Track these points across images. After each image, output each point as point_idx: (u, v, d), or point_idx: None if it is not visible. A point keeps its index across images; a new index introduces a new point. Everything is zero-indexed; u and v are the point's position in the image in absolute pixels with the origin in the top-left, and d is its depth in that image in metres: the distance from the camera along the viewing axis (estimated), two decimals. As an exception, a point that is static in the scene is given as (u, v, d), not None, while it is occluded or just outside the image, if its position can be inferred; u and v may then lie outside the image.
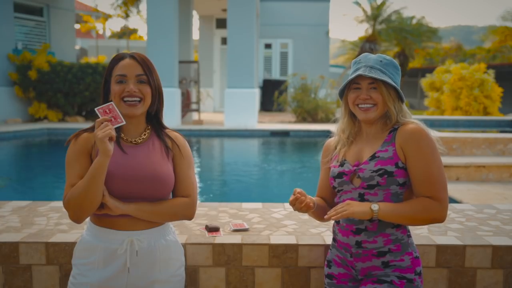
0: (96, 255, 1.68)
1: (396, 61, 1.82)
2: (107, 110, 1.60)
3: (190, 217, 1.76)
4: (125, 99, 1.67)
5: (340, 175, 1.80)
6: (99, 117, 1.60)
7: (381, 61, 1.77)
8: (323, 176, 1.96)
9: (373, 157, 1.74)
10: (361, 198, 1.74)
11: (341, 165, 1.82)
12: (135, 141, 1.73)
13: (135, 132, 1.75)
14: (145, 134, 1.75)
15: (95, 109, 1.61)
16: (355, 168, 1.77)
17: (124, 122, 1.62)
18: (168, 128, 1.84)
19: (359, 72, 1.74)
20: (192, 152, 1.86)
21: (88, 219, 1.77)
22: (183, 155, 1.78)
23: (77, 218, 1.62)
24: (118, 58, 1.72)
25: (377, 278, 1.74)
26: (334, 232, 1.88)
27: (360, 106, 1.77)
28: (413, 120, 1.78)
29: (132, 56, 1.71)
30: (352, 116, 1.87)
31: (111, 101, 1.68)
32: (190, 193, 1.75)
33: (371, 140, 1.81)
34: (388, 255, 1.73)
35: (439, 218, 1.68)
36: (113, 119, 1.60)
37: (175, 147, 1.78)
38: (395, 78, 1.79)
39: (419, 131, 1.71)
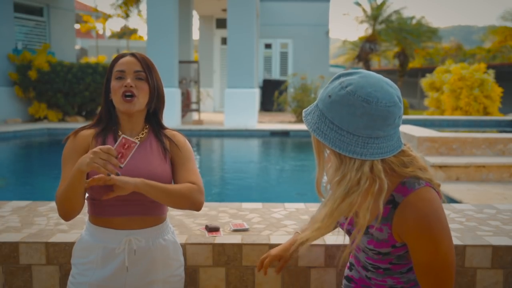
0: (95, 254, 1.68)
1: (357, 94, 1.23)
2: (126, 145, 1.49)
3: (198, 204, 1.67)
4: (124, 94, 1.66)
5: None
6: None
7: (330, 96, 1.28)
8: None
9: (366, 231, 1.41)
10: (365, 251, 1.51)
11: None
12: None
13: (133, 131, 1.74)
14: (143, 134, 1.75)
15: (122, 136, 1.51)
16: (349, 227, 1.50)
17: (122, 167, 1.49)
18: (167, 128, 1.83)
19: (304, 110, 1.37)
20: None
21: (86, 219, 1.77)
22: (183, 152, 1.77)
23: (65, 216, 1.60)
24: (119, 57, 1.73)
25: None
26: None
27: None
28: (419, 186, 1.33)
29: (133, 54, 1.72)
30: None
31: (111, 99, 1.70)
32: (196, 181, 1.70)
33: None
34: None
35: None
36: (119, 157, 1.48)
37: (173, 147, 1.77)
38: (345, 123, 1.24)
39: (421, 223, 1.30)
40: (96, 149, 1.45)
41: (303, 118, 1.36)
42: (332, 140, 1.26)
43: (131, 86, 1.65)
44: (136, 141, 1.51)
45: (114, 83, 1.68)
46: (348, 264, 1.74)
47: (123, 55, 1.73)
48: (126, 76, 1.67)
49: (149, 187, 1.56)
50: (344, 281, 1.73)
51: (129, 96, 1.66)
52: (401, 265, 1.47)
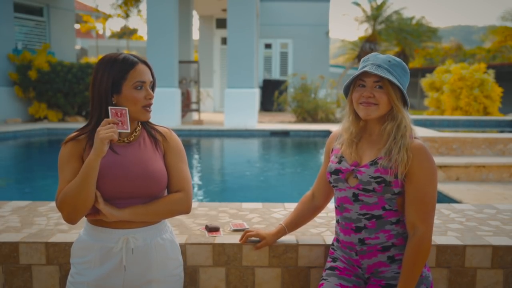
0: (93, 254, 1.69)
1: (405, 64, 1.80)
2: (119, 113, 1.61)
3: (186, 211, 1.76)
4: (146, 106, 1.70)
5: (336, 171, 1.81)
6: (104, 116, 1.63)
7: (389, 61, 1.75)
8: (323, 171, 1.99)
9: (374, 162, 1.74)
10: (355, 197, 1.77)
11: (339, 162, 1.82)
12: (127, 139, 1.74)
13: (128, 131, 1.75)
14: (136, 132, 1.77)
15: (109, 107, 1.61)
16: (353, 168, 1.77)
17: (128, 131, 1.63)
18: (156, 125, 1.86)
19: (366, 69, 1.73)
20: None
21: (84, 219, 1.78)
22: (174, 149, 1.79)
23: (71, 218, 1.61)
24: (132, 63, 1.68)
25: (384, 283, 1.75)
26: (336, 232, 1.90)
27: (365, 101, 1.75)
28: (418, 137, 1.78)
29: (144, 62, 1.72)
30: (357, 115, 1.83)
31: (114, 104, 1.68)
32: (183, 187, 1.75)
33: (374, 140, 1.80)
34: (393, 249, 1.75)
35: (427, 244, 1.70)
36: (120, 124, 1.60)
37: (166, 142, 1.80)
38: (402, 81, 1.76)
39: (425, 151, 1.72)
40: (99, 128, 1.55)
41: (377, 72, 1.71)
42: (403, 87, 1.75)
43: (152, 97, 1.72)
44: (123, 107, 1.63)
45: (134, 93, 1.67)
46: (330, 259, 1.92)
47: (135, 61, 1.69)
48: (145, 86, 1.70)
49: (134, 215, 1.66)
50: (326, 272, 1.87)
51: (149, 106, 1.72)
52: (392, 213, 1.76)
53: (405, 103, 1.78)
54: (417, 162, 1.70)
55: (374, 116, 1.75)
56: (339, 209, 1.84)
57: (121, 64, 1.67)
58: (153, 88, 1.75)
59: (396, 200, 1.75)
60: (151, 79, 1.73)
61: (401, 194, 1.74)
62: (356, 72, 1.77)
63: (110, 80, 1.66)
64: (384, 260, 1.76)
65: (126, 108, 1.63)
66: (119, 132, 1.72)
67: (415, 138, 1.76)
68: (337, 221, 1.87)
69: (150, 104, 1.72)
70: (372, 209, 1.75)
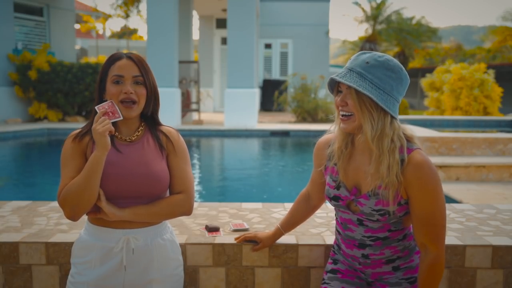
0: (93, 253, 1.69)
1: (394, 62, 1.55)
2: (106, 107, 1.63)
3: (187, 213, 1.75)
4: (123, 101, 1.66)
5: (336, 198, 1.71)
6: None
7: (367, 62, 1.53)
8: (315, 176, 1.90)
9: (374, 193, 1.59)
10: (360, 222, 1.69)
11: (337, 188, 1.70)
12: (129, 139, 1.73)
13: (129, 130, 1.74)
14: (139, 131, 1.75)
15: (95, 107, 1.63)
16: (352, 197, 1.66)
17: (122, 118, 1.63)
18: (162, 125, 1.83)
19: (333, 76, 1.57)
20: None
21: (85, 219, 1.77)
22: (177, 150, 1.78)
23: (74, 214, 1.61)
24: (115, 58, 1.69)
25: (389, 286, 1.73)
26: (337, 239, 1.86)
27: (340, 113, 1.59)
28: (417, 147, 1.59)
29: (129, 57, 1.69)
30: None
31: (106, 100, 1.69)
32: (185, 188, 1.74)
33: (366, 156, 1.62)
34: (398, 260, 1.72)
35: (440, 265, 1.60)
36: (110, 114, 1.62)
37: (169, 143, 1.78)
38: (383, 83, 1.51)
39: (426, 169, 1.53)
40: (93, 126, 1.58)
41: (338, 79, 1.54)
42: (375, 95, 1.49)
43: (131, 93, 1.65)
44: (107, 101, 1.65)
45: (111, 88, 1.66)
46: (330, 260, 1.88)
47: (119, 57, 1.70)
48: (124, 81, 1.66)
49: (135, 215, 1.66)
50: (327, 275, 1.83)
51: (130, 103, 1.66)
52: (398, 232, 1.67)
53: (397, 110, 1.56)
54: (419, 184, 1.53)
55: (351, 128, 1.57)
56: (342, 225, 1.76)
57: (106, 62, 1.70)
58: (146, 85, 1.69)
59: (402, 220, 1.67)
60: (136, 73, 1.67)
61: (407, 214, 1.65)
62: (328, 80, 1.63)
63: (99, 79, 1.70)
64: (388, 270, 1.72)
65: (111, 100, 1.64)
66: (119, 130, 1.73)
67: (414, 149, 1.57)
68: (338, 232, 1.81)
69: (129, 99, 1.66)
70: (377, 232, 1.68)
